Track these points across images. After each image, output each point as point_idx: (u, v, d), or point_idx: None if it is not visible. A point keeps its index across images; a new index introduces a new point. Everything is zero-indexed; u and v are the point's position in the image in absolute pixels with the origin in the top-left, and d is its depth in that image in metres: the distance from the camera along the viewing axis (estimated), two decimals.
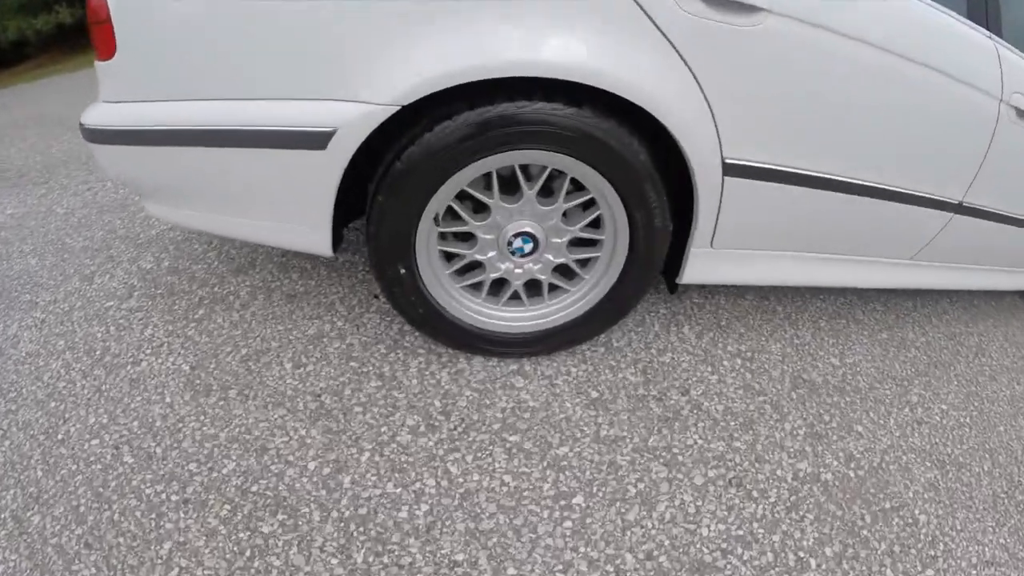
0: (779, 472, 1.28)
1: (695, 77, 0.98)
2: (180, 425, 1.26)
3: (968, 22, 1.26)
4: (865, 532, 1.21)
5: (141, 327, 1.54)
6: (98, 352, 1.48)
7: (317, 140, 0.97)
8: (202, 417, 1.28)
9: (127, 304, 1.63)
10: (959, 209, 1.50)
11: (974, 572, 1.21)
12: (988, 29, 1.31)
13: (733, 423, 1.34)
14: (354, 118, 0.94)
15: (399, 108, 0.92)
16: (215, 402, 1.30)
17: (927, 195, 1.42)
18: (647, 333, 1.50)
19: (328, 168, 0.99)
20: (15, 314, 1.63)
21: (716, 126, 1.03)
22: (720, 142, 1.05)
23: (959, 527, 1.29)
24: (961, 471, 1.44)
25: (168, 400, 1.32)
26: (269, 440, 1.21)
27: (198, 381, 1.36)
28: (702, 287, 1.79)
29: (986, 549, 1.27)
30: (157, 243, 1.87)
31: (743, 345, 1.56)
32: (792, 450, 1.34)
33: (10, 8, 5.70)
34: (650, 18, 0.94)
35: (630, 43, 0.95)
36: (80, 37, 6.36)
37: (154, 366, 1.41)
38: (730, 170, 1.09)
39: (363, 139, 0.95)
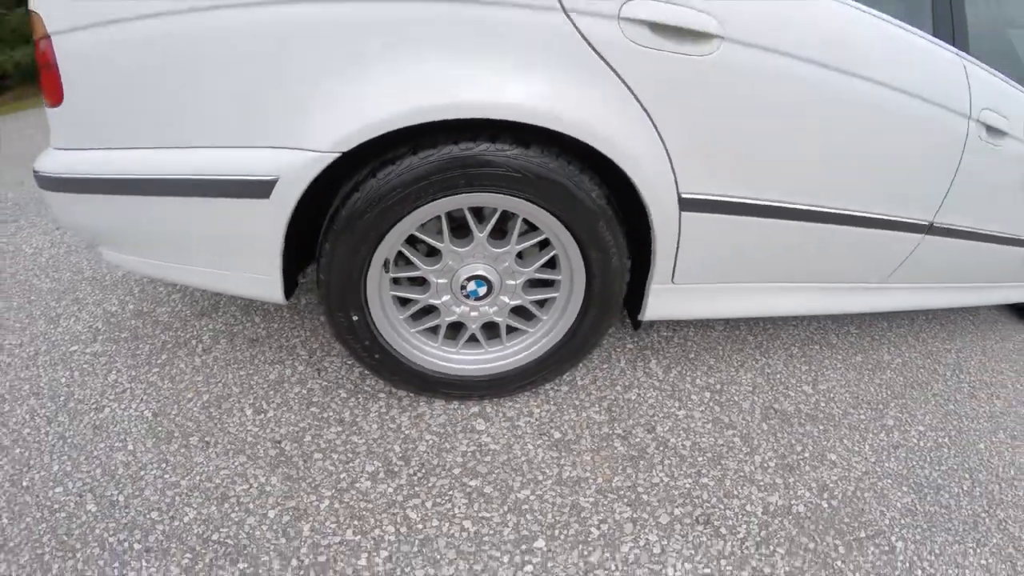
0: (748, 507, 1.27)
1: (646, 111, 1.00)
2: (142, 473, 1.25)
3: (934, 39, 1.28)
4: (839, 563, 1.19)
5: (105, 372, 1.53)
6: (62, 398, 1.46)
7: (260, 189, 0.98)
8: (164, 465, 1.27)
9: (91, 348, 1.62)
10: (930, 230, 1.52)
11: None
12: (955, 45, 1.34)
13: (701, 459, 1.33)
14: (296, 165, 0.95)
15: (340, 155, 0.93)
16: (176, 449, 1.29)
17: (896, 218, 1.43)
18: (613, 370, 1.50)
19: (273, 216, 1.00)
20: None
21: (671, 161, 1.04)
22: (676, 177, 1.06)
23: (938, 551, 1.28)
24: (940, 493, 1.45)
25: (131, 447, 1.31)
26: (230, 488, 1.20)
27: (160, 428, 1.35)
28: (665, 325, 1.80)
29: (967, 572, 1.27)
30: (123, 285, 1.87)
31: (712, 378, 1.57)
32: (763, 483, 1.33)
33: None
34: (595, 50, 0.96)
35: (575, 78, 0.97)
36: None
37: (117, 412, 1.40)
38: (687, 205, 1.10)
39: (306, 186, 0.96)
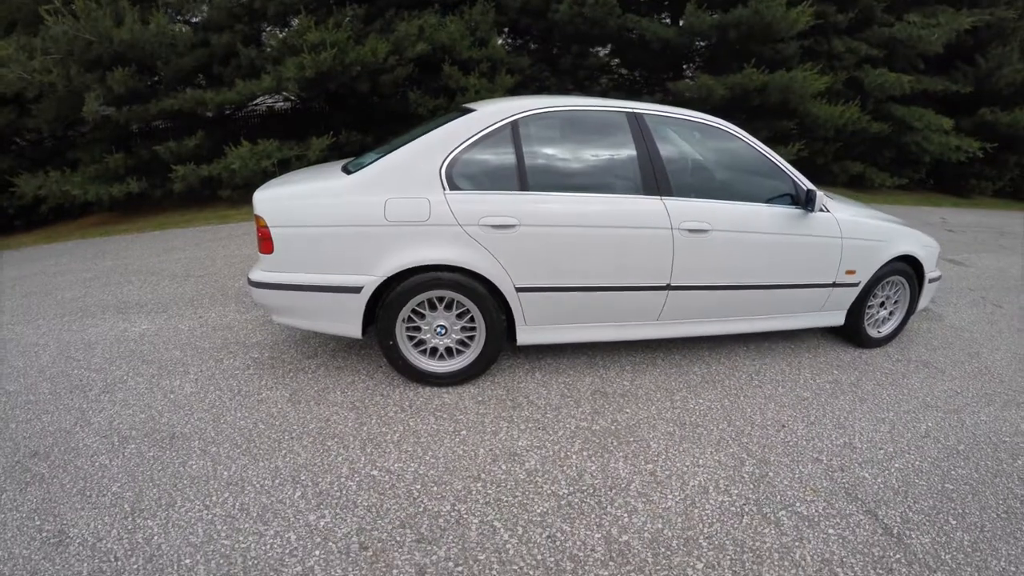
0: (569, 427, 2.98)
1: (494, 256, 2.97)
2: (288, 415, 3.00)
3: (644, 196, 3.17)
4: (613, 449, 2.81)
5: (259, 380, 3.38)
6: (236, 391, 3.25)
7: (357, 290, 2.95)
8: (297, 414, 3.05)
9: (247, 373, 3.49)
10: (669, 288, 3.31)
11: (686, 469, 2.65)
12: (659, 194, 3.21)
13: (548, 407, 3.13)
14: (370, 281, 2.92)
15: (387, 277, 2.91)
16: (304, 406, 3.10)
17: (645, 284, 3.26)
18: (514, 375, 3.39)
19: (361, 300, 2.96)
20: (175, 376, 3.42)
21: (508, 274, 3.00)
22: (512, 280, 3.01)
23: (682, 451, 2.81)
24: (697, 428, 2.98)
25: (279, 407, 3.09)
26: (331, 417, 2.98)
27: (295, 398, 3.16)
28: (554, 354, 3.68)
29: (700, 460, 2.77)
30: (258, 345, 3.81)
31: (568, 379, 3.40)
32: (579, 417, 3.04)
33: (90, 177, 8.10)
34: (472, 237, 2.93)
35: (466, 246, 2.93)
36: (142, 203, 8.75)
37: (270, 396, 3.21)
38: (520, 290, 3.05)
39: (374, 289, 2.93)
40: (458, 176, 3.00)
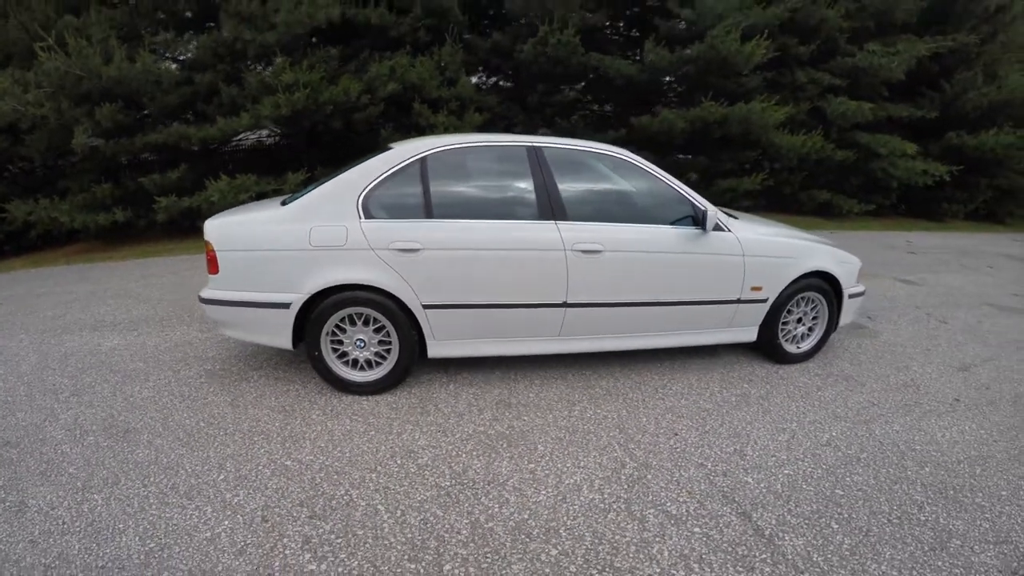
0: (467, 430, 3.45)
1: (401, 276, 3.50)
2: (228, 416, 3.54)
3: (539, 221, 3.67)
4: (500, 450, 3.40)
5: (207, 388, 3.90)
6: (186, 396, 3.75)
7: (286, 306, 3.50)
8: (236, 413, 3.57)
9: (198, 381, 4.01)
10: (567, 305, 3.77)
11: (565, 470, 3.00)
12: (554, 219, 3.70)
13: (452, 415, 3.63)
14: (297, 298, 3.47)
15: (311, 295, 3.46)
16: (241, 409, 3.61)
17: (544, 302, 3.74)
18: (431, 387, 3.92)
19: (290, 315, 3.51)
20: (136, 383, 3.96)
21: (415, 292, 3.54)
22: (418, 297, 3.55)
23: (567, 454, 3.23)
24: (587, 435, 3.35)
25: (220, 409, 3.60)
26: (264, 416, 3.52)
27: (236, 402, 3.67)
28: (471, 368, 4.19)
29: (571, 462, 3.16)
30: (212, 359, 4.35)
31: (479, 390, 3.89)
32: (478, 423, 3.52)
33: (78, 206, 8.72)
34: (383, 260, 3.47)
35: (377, 268, 3.47)
36: (127, 232, 9.35)
37: (214, 400, 3.72)
38: (426, 307, 3.58)
39: (300, 305, 3.48)
40: (373, 206, 3.56)
